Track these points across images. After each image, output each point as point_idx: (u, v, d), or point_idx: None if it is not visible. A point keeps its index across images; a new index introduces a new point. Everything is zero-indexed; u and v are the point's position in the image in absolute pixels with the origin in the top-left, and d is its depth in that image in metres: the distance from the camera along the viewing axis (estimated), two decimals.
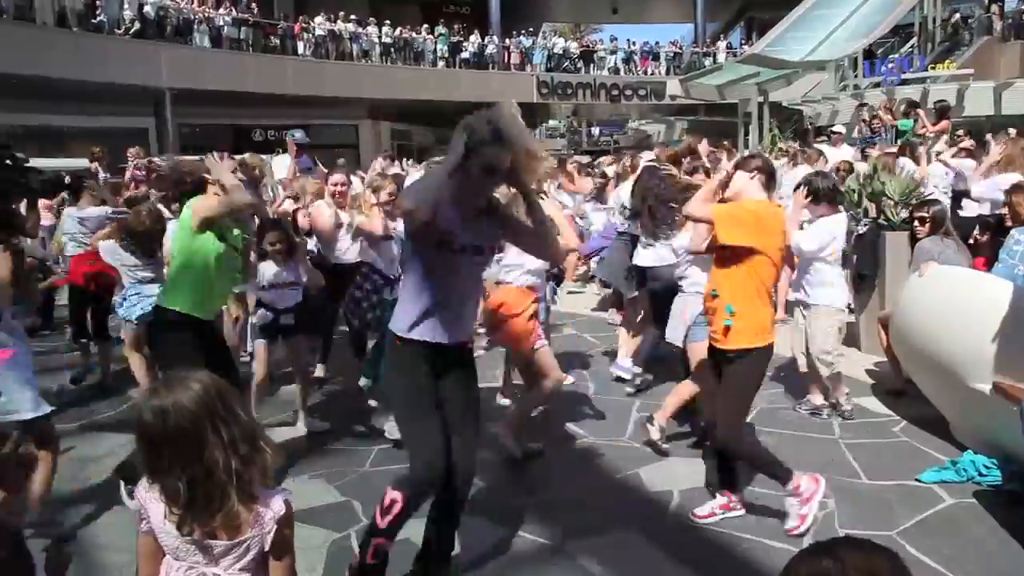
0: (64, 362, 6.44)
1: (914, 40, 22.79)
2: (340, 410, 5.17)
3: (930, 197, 5.82)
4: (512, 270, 4.14)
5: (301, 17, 23.75)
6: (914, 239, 5.08)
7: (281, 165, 7.31)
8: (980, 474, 3.71)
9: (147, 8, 19.71)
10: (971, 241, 5.58)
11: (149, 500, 1.73)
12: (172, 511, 1.68)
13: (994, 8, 23.96)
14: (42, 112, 19.88)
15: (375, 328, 4.88)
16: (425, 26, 26.15)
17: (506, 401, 5.06)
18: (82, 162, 11.18)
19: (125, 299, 5.21)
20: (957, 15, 23.49)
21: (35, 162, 15.98)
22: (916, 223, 5.09)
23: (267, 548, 1.72)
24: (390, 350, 2.94)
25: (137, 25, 19.53)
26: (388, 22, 25.17)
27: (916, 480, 3.77)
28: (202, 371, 1.76)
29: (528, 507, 3.54)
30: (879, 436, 4.40)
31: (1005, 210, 4.87)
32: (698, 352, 3.96)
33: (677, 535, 3.39)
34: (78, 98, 19.08)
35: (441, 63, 25.54)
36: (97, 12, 19.14)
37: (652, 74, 28.58)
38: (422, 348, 2.81)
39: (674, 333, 4.31)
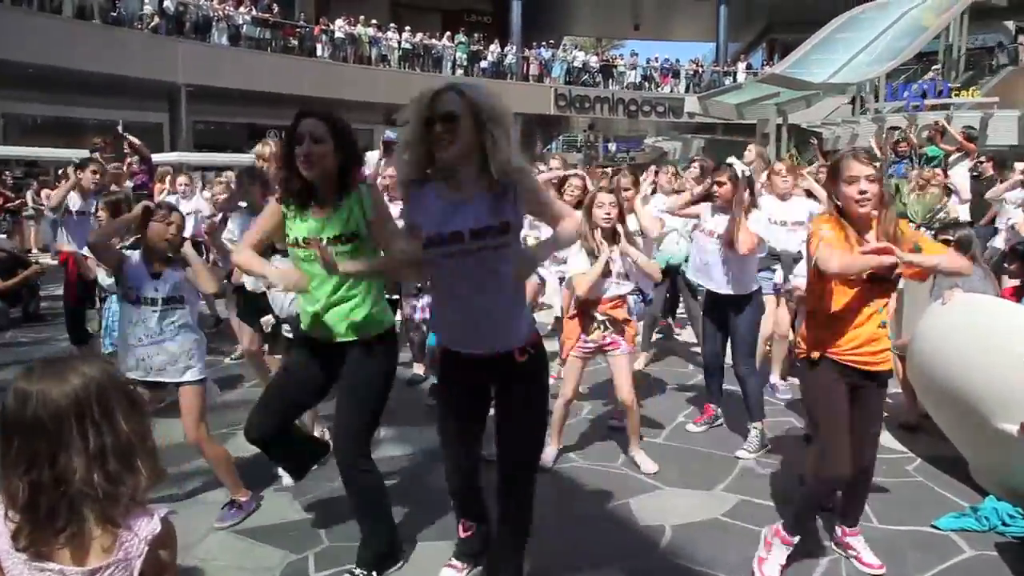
0: None
1: (937, 67, 22.41)
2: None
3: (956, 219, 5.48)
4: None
5: (321, 19, 23.73)
6: None
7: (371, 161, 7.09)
8: (1004, 524, 3.36)
9: (167, 3, 19.73)
10: None
11: None
12: (8, 516, 1.39)
13: (1021, 38, 23.60)
14: (62, 104, 19.93)
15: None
16: (446, 34, 26.11)
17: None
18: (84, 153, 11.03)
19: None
20: (982, 44, 23.19)
21: (53, 152, 15.96)
22: None
23: (135, 575, 1.43)
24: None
25: (156, 20, 19.56)
26: (408, 28, 25.13)
27: (932, 527, 3.45)
28: (99, 362, 1.49)
29: None
30: (892, 475, 4.06)
31: None
32: None
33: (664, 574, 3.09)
34: (95, 91, 19.10)
35: (460, 71, 25.45)
36: (118, 5, 19.17)
37: (671, 91, 28.40)
38: (456, 360, 2.61)
39: None
